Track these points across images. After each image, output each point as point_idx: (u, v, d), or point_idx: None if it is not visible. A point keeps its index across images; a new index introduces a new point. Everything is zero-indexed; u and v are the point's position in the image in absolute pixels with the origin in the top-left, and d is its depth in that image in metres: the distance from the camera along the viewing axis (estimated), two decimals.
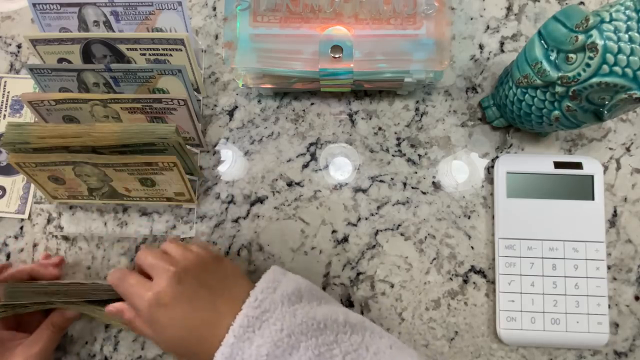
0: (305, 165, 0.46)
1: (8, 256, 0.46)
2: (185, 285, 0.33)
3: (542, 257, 0.41)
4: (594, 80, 0.31)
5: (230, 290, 0.34)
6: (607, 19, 0.30)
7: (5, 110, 0.49)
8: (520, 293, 0.41)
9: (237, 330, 0.30)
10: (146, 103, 0.41)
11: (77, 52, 0.43)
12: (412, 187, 0.45)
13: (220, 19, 0.49)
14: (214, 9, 0.49)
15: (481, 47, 0.47)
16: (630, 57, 0.30)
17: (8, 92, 0.49)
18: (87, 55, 0.43)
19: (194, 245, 0.38)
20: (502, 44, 0.47)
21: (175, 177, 0.40)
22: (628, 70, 0.30)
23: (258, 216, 0.45)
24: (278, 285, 0.33)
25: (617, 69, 0.30)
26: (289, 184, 0.45)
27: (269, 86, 0.44)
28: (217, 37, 0.48)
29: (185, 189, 0.42)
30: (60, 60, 0.44)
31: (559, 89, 0.34)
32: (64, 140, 0.37)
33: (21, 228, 0.47)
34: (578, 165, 0.42)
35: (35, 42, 0.42)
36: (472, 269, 0.43)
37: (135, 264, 0.37)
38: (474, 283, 0.43)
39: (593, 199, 0.42)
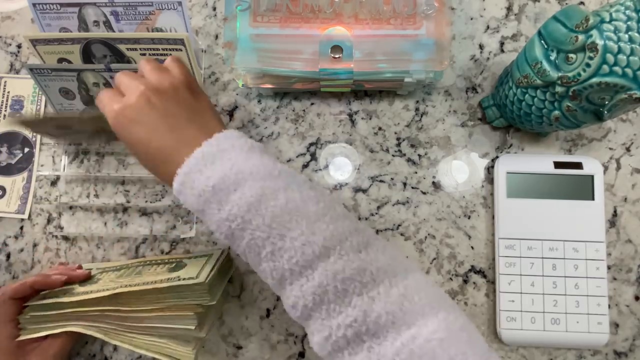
0: (305, 165, 0.46)
1: (8, 256, 0.46)
2: (153, 106, 0.32)
3: (542, 257, 0.41)
4: (594, 80, 0.31)
5: (198, 124, 0.33)
6: (607, 19, 0.30)
7: (5, 110, 0.49)
8: (520, 293, 0.41)
9: (192, 162, 0.30)
10: None
11: (77, 52, 0.43)
12: (412, 187, 0.45)
13: (220, 19, 0.49)
14: (214, 9, 0.49)
15: (481, 47, 0.47)
16: (630, 57, 0.30)
17: (8, 92, 0.49)
18: (87, 55, 0.43)
19: (176, 66, 0.36)
20: (502, 44, 0.47)
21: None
22: (628, 70, 0.30)
23: None
24: (245, 136, 0.33)
25: (617, 69, 0.30)
26: None
27: (269, 86, 0.44)
28: (217, 37, 0.49)
29: None
30: (60, 60, 0.43)
31: (559, 89, 0.34)
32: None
33: (21, 228, 0.47)
34: (578, 165, 0.42)
35: (35, 42, 0.42)
36: (472, 269, 0.43)
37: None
38: (474, 283, 0.43)
39: (593, 199, 0.42)
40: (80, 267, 0.43)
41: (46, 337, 0.39)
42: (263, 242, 0.29)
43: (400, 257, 0.31)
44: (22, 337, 0.38)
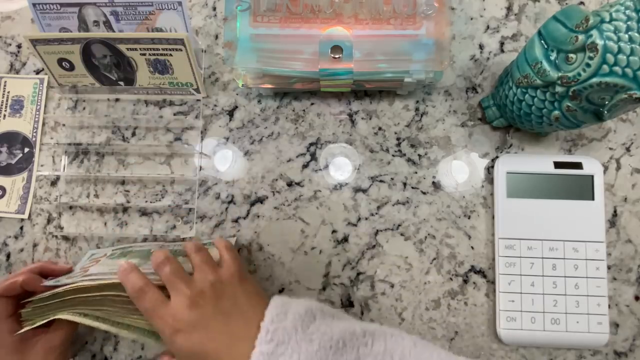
0: (305, 165, 0.46)
1: (8, 256, 0.46)
2: (201, 311, 0.33)
3: (542, 257, 0.41)
4: (594, 80, 0.31)
5: (246, 314, 0.34)
6: (607, 19, 0.30)
7: (5, 110, 0.49)
8: (520, 293, 0.41)
9: None
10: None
11: (77, 52, 0.43)
12: (412, 187, 0.45)
13: (220, 19, 0.49)
14: (214, 9, 0.49)
15: (481, 47, 0.47)
16: (630, 57, 0.30)
17: (8, 92, 0.49)
18: (87, 55, 0.43)
19: (230, 257, 0.37)
20: (502, 44, 0.47)
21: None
22: (628, 70, 0.30)
23: (258, 216, 0.45)
24: (288, 309, 0.33)
25: (617, 69, 0.30)
26: (289, 184, 0.45)
27: (269, 86, 0.44)
28: (217, 37, 0.49)
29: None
30: (61, 61, 0.44)
31: (559, 89, 0.34)
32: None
33: (21, 228, 0.47)
34: (578, 165, 0.42)
35: (35, 42, 0.42)
36: (472, 269, 0.43)
37: (153, 265, 0.36)
38: (474, 283, 0.43)
39: (593, 199, 0.42)
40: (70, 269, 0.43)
41: (49, 328, 0.39)
42: None
43: None
44: (25, 329, 0.38)
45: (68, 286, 0.37)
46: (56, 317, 0.37)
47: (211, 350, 0.32)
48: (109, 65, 0.44)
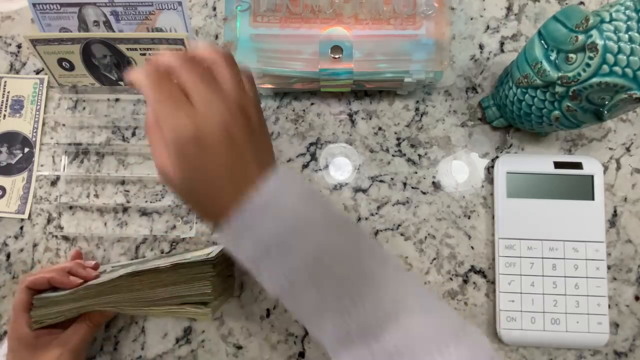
0: (305, 165, 0.46)
1: (8, 256, 0.46)
2: (236, 129, 0.26)
3: (542, 257, 0.41)
4: (594, 80, 0.31)
5: (259, 153, 0.28)
6: (607, 19, 0.30)
7: (5, 110, 0.49)
8: (520, 293, 0.41)
9: (254, 205, 0.26)
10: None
11: (77, 52, 0.43)
12: (412, 187, 0.45)
13: (220, 19, 0.49)
14: (214, 9, 0.49)
15: (481, 47, 0.47)
16: (630, 57, 0.30)
17: (8, 92, 0.49)
18: (87, 55, 0.43)
19: (248, 82, 0.29)
20: (502, 44, 0.47)
21: None
22: (628, 70, 0.30)
23: None
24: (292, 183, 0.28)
25: (617, 69, 0.30)
26: None
27: (269, 86, 0.44)
28: (217, 37, 0.49)
29: None
30: (61, 61, 0.44)
31: (559, 89, 0.34)
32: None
33: (21, 228, 0.47)
34: (578, 165, 0.42)
35: (35, 42, 0.42)
36: (472, 269, 0.43)
37: (155, 66, 0.27)
38: (474, 283, 0.43)
39: (593, 199, 0.42)
40: (96, 266, 0.43)
41: (66, 328, 0.39)
42: (334, 302, 0.27)
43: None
44: (41, 325, 0.38)
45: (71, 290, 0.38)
46: (66, 317, 0.38)
47: (210, 178, 0.26)
48: (109, 65, 0.44)
